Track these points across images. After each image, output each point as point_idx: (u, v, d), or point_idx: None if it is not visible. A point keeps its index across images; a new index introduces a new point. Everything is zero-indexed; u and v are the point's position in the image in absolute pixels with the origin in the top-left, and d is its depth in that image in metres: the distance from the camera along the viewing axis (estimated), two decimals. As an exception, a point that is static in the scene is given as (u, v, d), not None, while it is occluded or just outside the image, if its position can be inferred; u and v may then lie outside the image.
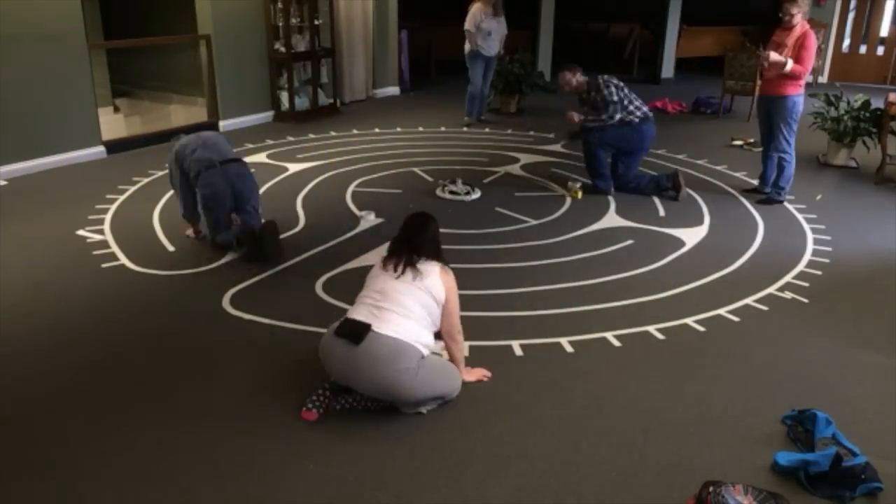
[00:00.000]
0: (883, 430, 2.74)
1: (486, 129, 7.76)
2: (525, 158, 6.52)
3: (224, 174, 4.22)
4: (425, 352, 2.76)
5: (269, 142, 7.01)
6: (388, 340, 2.65)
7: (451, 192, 5.42)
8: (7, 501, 2.33)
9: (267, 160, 6.35)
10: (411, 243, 2.87)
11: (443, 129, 7.74)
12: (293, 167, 6.13)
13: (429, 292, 2.77)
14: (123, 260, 4.19)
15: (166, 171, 5.97)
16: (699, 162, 6.53)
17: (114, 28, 7.82)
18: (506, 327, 3.48)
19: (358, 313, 2.76)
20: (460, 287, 3.76)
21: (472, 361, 3.18)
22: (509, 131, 7.62)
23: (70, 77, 5.99)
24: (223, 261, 4.17)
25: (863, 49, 11.40)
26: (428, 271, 2.80)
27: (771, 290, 3.95)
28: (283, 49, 7.67)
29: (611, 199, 5.40)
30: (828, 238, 4.72)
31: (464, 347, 3.05)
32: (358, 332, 2.66)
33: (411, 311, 2.73)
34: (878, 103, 6.36)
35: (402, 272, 2.78)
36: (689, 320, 3.58)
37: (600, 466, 2.51)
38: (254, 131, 7.44)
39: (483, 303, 3.72)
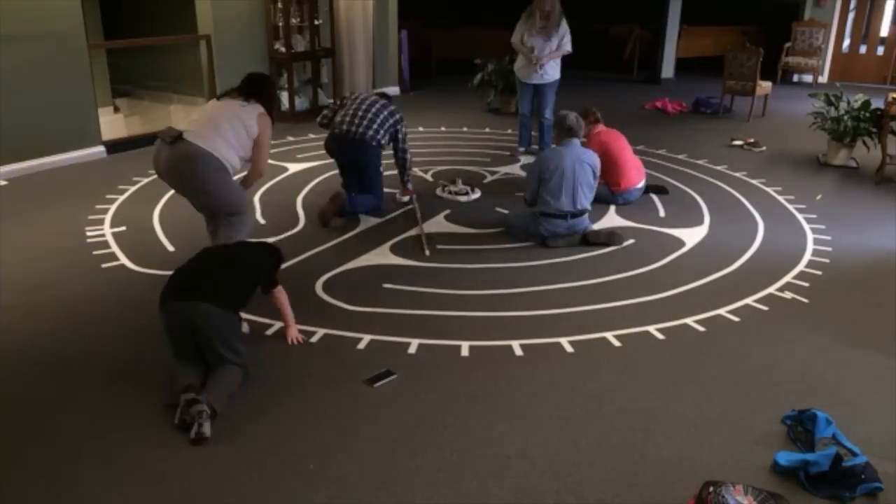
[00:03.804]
0: (883, 430, 2.75)
1: (486, 129, 7.75)
2: (525, 158, 6.51)
3: None
4: (227, 165, 3.46)
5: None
6: (194, 146, 3.38)
7: (451, 193, 5.41)
8: (7, 501, 2.33)
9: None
10: (245, 89, 3.65)
11: (443, 129, 7.74)
12: (293, 167, 6.12)
13: (244, 124, 3.50)
14: (123, 260, 4.19)
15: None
16: (699, 162, 6.52)
17: (114, 28, 7.80)
18: (506, 327, 3.48)
19: (182, 126, 3.49)
20: (461, 286, 3.72)
21: (472, 361, 3.18)
22: (509, 131, 7.60)
23: (70, 77, 5.98)
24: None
25: (863, 49, 11.39)
26: (250, 110, 3.55)
27: (771, 290, 3.95)
28: (283, 49, 7.67)
29: (611, 199, 5.40)
30: (828, 238, 4.72)
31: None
32: (173, 136, 3.40)
33: (222, 131, 3.44)
34: (878, 103, 6.36)
35: (230, 101, 3.57)
36: (689, 320, 3.58)
37: (600, 466, 2.52)
38: (254, 131, 7.42)
39: (483, 303, 3.72)
